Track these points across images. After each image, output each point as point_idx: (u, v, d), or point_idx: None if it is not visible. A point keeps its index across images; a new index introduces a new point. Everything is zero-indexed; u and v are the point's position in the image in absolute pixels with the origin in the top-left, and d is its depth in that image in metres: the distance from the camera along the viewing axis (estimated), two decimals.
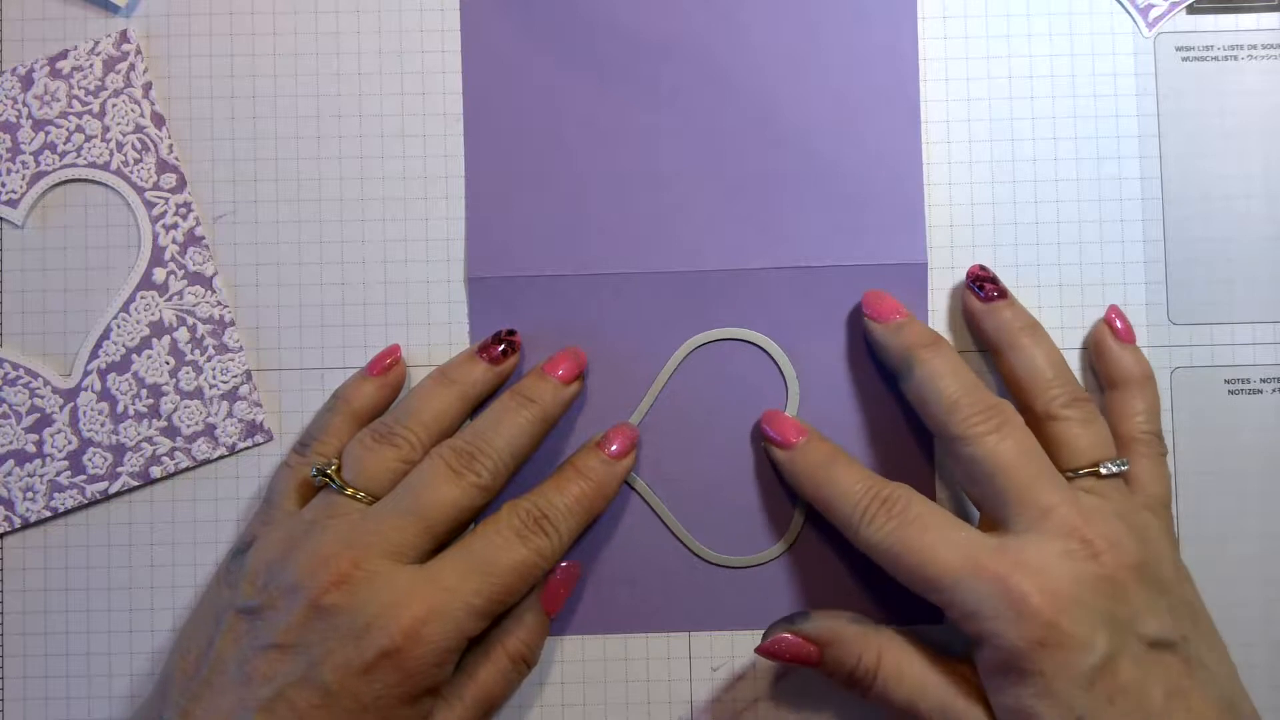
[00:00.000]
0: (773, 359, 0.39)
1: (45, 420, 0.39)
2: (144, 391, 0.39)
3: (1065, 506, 0.33)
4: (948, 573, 0.33)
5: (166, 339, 0.40)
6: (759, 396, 0.39)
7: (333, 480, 0.36)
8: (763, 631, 0.37)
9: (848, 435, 0.39)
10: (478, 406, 0.39)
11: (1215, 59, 0.40)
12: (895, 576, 0.34)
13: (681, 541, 0.39)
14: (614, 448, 0.38)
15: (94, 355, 0.39)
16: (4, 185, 0.40)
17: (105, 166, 0.40)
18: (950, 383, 0.35)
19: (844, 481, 0.36)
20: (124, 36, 0.40)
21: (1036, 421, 0.36)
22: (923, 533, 0.33)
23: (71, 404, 0.39)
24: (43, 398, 0.39)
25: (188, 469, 0.39)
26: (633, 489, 0.39)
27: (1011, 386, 0.37)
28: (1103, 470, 0.35)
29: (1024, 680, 0.31)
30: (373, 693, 0.32)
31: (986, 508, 0.35)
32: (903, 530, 0.34)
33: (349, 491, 0.36)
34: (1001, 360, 0.37)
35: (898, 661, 0.34)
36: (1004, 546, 0.33)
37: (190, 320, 0.40)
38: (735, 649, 0.39)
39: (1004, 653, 0.32)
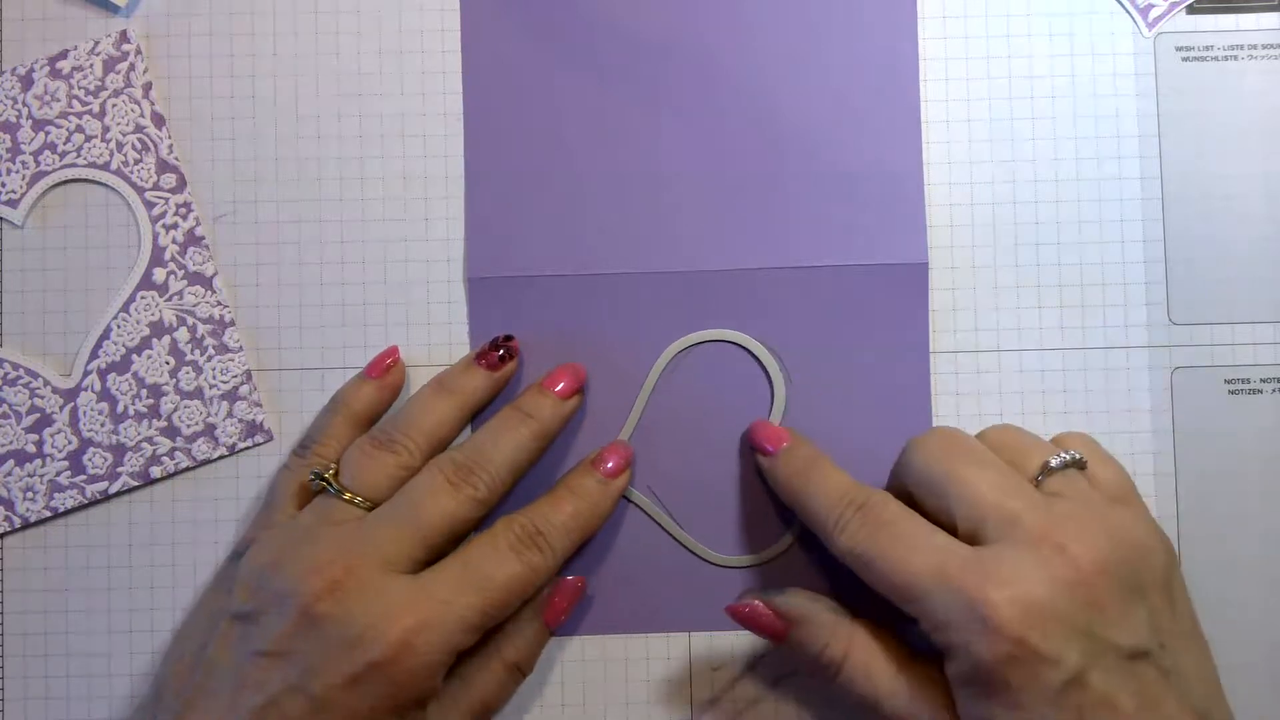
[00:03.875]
0: (757, 359, 0.39)
1: (45, 420, 0.39)
2: (144, 391, 0.39)
3: (1032, 512, 0.32)
4: (918, 582, 0.32)
5: (166, 339, 0.40)
6: (755, 396, 0.39)
7: (330, 485, 0.36)
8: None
9: (842, 436, 0.39)
10: (477, 413, 0.39)
11: (1215, 59, 0.40)
12: (869, 583, 0.34)
13: (680, 543, 0.39)
14: (609, 465, 0.38)
15: (94, 355, 0.39)
16: (4, 185, 0.40)
17: (105, 166, 0.40)
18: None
19: (822, 488, 0.35)
20: (124, 36, 0.40)
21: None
22: (895, 540, 0.33)
23: (71, 404, 0.39)
24: (43, 398, 0.39)
25: (188, 469, 0.40)
26: (629, 500, 0.39)
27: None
28: (1053, 462, 0.34)
29: (992, 693, 0.31)
30: (363, 703, 0.32)
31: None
32: (875, 536, 0.33)
33: (347, 496, 0.36)
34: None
35: (866, 659, 0.34)
36: (977, 557, 0.32)
37: (190, 320, 0.40)
38: (735, 649, 0.39)
39: (973, 665, 0.31)
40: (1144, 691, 0.31)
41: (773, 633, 0.35)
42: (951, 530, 0.33)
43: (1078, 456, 0.35)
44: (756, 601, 0.35)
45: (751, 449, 0.38)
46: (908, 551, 0.32)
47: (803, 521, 0.36)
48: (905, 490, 0.35)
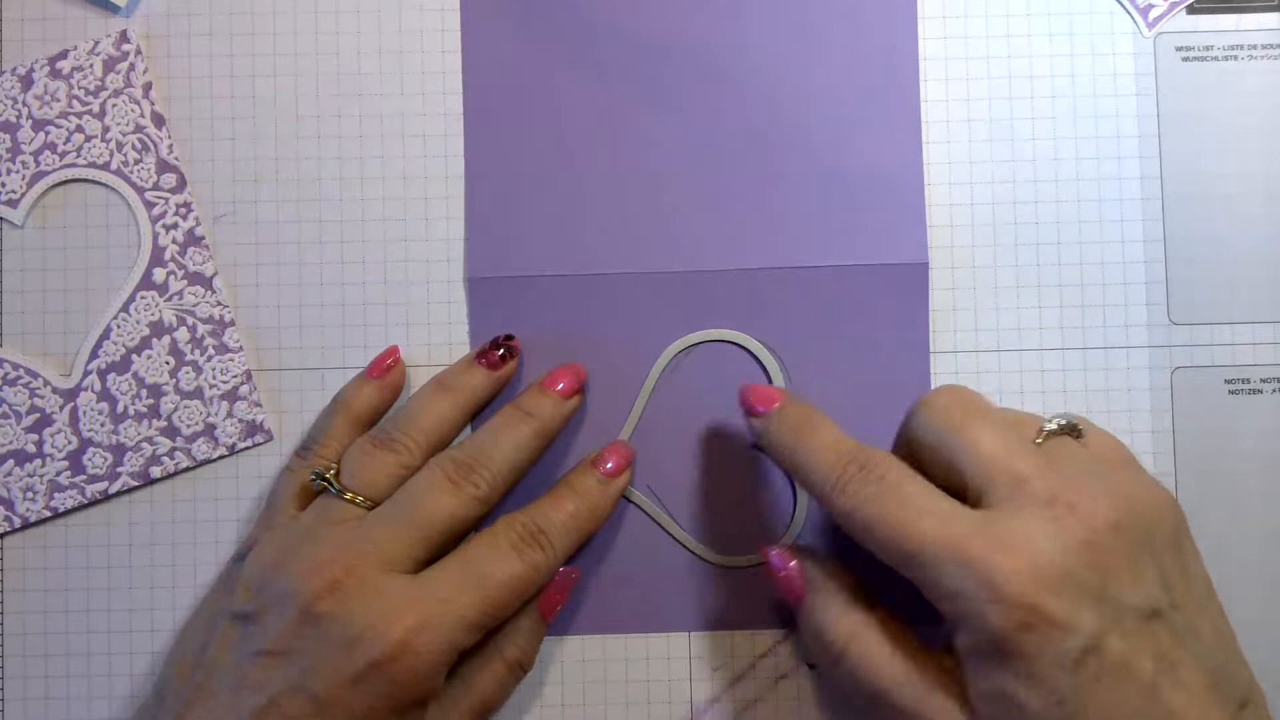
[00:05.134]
0: (757, 359, 0.39)
1: (45, 420, 0.39)
2: (144, 391, 0.39)
3: (1040, 473, 0.31)
4: (925, 549, 0.31)
5: (166, 339, 0.40)
6: None
7: (331, 484, 0.36)
8: (762, 631, 0.36)
9: None
10: (477, 412, 0.39)
11: (1215, 59, 0.40)
12: (869, 548, 0.32)
13: (680, 543, 0.39)
14: (609, 465, 0.38)
15: (94, 355, 0.39)
16: (4, 185, 0.40)
17: (105, 166, 0.40)
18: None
19: (820, 446, 0.34)
20: (124, 36, 0.40)
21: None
22: (900, 503, 0.31)
23: (71, 404, 0.39)
24: (43, 398, 0.39)
25: (188, 469, 0.40)
26: (629, 500, 0.39)
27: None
28: (1049, 425, 0.33)
29: (1006, 664, 0.30)
30: (363, 702, 0.32)
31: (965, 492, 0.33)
32: (879, 499, 0.32)
33: (348, 496, 0.36)
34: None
35: (871, 649, 0.33)
36: (985, 522, 0.30)
37: (190, 320, 0.40)
38: (735, 649, 0.39)
39: (985, 636, 0.30)
40: (1161, 653, 0.30)
41: (793, 593, 0.35)
42: (958, 489, 0.32)
43: (1074, 423, 0.33)
44: (795, 560, 0.35)
45: (743, 413, 0.37)
46: (914, 516, 0.31)
47: (798, 483, 0.36)
48: (911, 450, 0.34)
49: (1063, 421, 0.33)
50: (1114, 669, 0.29)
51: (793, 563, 0.35)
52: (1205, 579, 0.32)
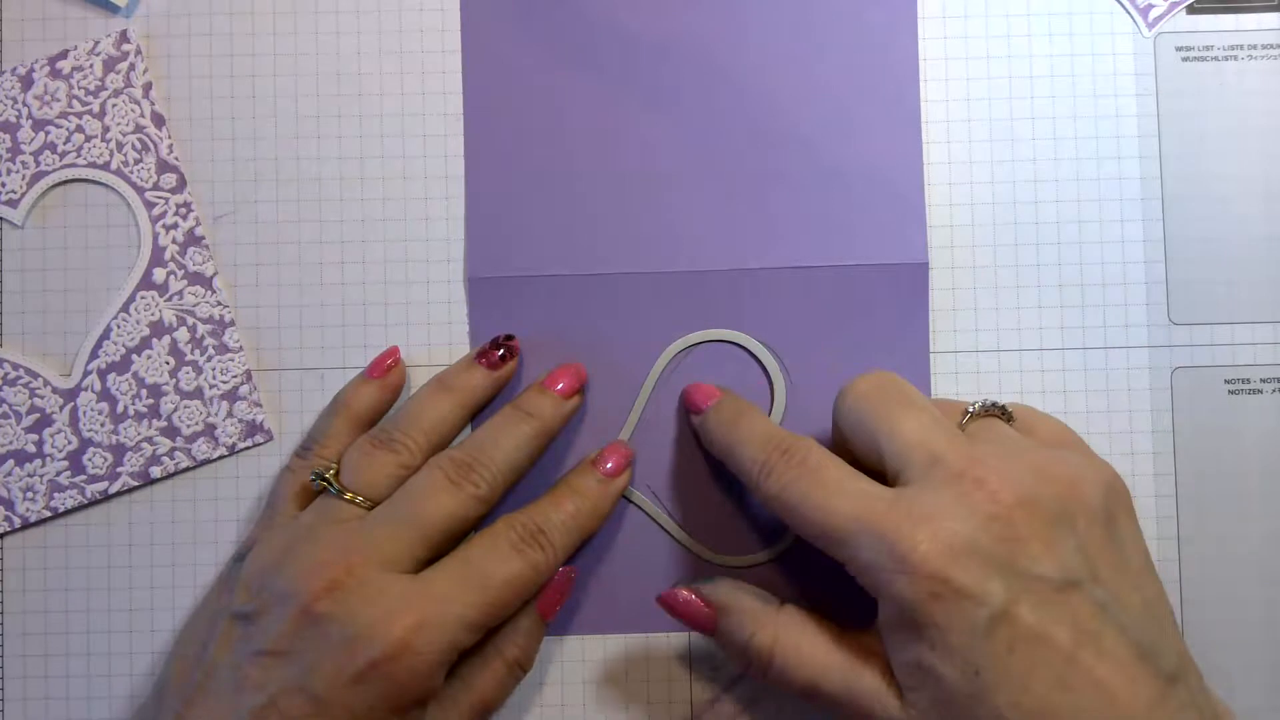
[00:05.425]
0: (757, 359, 0.39)
1: (45, 420, 0.39)
2: (144, 391, 0.39)
3: (954, 451, 0.32)
4: (841, 525, 0.31)
5: (166, 339, 0.40)
6: (755, 396, 0.39)
7: (331, 484, 0.36)
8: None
9: None
10: (477, 412, 0.39)
11: (1215, 59, 0.40)
12: (793, 529, 0.33)
13: (680, 543, 0.39)
14: (609, 465, 0.38)
15: (94, 355, 0.39)
16: (4, 185, 0.40)
17: (105, 166, 0.40)
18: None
19: (748, 436, 0.35)
20: (124, 36, 0.40)
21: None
22: (818, 484, 0.33)
23: (71, 404, 0.39)
24: (43, 398, 0.39)
25: (188, 469, 0.40)
26: (629, 500, 0.39)
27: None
28: (973, 407, 0.34)
29: (920, 635, 0.30)
30: (363, 702, 0.32)
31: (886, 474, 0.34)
32: (800, 481, 0.33)
33: (348, 496, 0.36)
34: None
35: (796, 644, 0.33)
36: (898, 498, 0.31)
37: (190, 320, 0.40)
38: None
39: (898, 606, 0.30)
40: (1080, 624, 0.30)
41: (700, 622, 0.35)
42: (880, 471, 0.33)
43: (1000, 404, 0.34)
44: (683, 590, 0.36)
45: (686, 412, 0.39)
46: (830, 496, 0.32)
47: (733, 473, 0.36)
48: (840, 436, 0.35)
49: (988, 404, 0.34)
50: (1028, 639, 0.30)
51: (691, 596, 0.36)
52: (1142, 554, 0.33)
